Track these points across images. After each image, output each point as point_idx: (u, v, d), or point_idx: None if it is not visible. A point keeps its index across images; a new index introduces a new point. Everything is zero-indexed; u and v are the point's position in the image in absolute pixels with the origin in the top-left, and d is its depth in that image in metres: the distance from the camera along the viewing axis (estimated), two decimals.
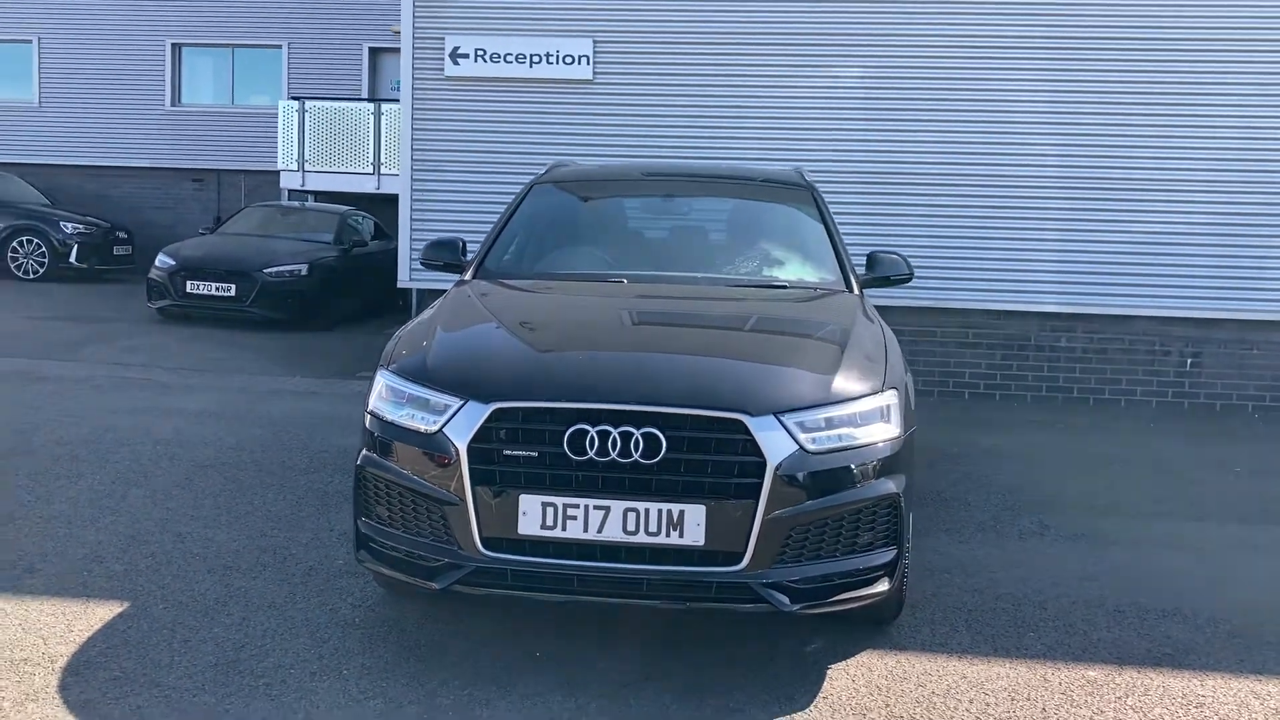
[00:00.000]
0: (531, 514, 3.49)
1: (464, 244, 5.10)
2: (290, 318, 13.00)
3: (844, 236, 9.13)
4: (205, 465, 6.32)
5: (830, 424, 3.63)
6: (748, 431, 3.48)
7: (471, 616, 4.17)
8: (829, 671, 3.83)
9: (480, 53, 9.67)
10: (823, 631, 4.15)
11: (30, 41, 20.62)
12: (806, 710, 3.53)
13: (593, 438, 3.46)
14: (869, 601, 3.72)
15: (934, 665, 3.92)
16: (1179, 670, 3.95)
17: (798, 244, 5.14)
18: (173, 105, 20.50)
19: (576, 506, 3.48)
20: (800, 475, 3.51)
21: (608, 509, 3.47)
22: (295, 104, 17.64)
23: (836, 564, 3.61)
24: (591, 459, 3.46)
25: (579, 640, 4.00)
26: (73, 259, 17.37)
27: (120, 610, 4.15)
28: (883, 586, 3.70)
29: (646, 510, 3.46)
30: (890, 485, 3.69)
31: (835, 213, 9.31)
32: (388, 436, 3.75)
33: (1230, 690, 3.80)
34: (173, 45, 20.47)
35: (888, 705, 3.59)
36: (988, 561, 5.14)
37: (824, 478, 3.55)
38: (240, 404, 8.29)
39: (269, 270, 13.06)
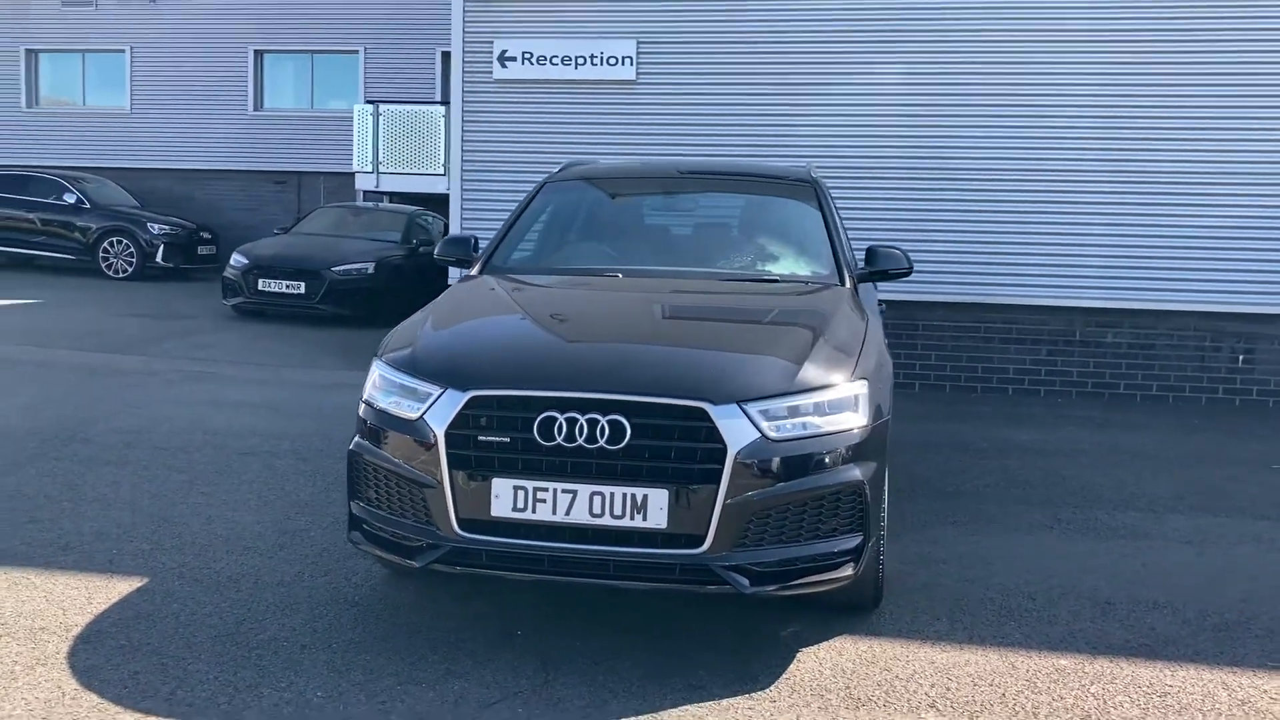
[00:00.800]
0: (504, 497, 3.67)
1: (476, 240, 5.31)
2: (357, 314, 13.40)
3: (886, 232, 9.22)
4: (246, 453, 6.64)
5: (794, 413, 3.74)
6: (710, 419, 3.61)
7: (464, 598, 4.36)
8: (799, 654, 3.94)
9: (527, 55, 9.90)
10: (802, 617, 4.25)
11: (123, 51, 21.50)
12: (766, 690, 3.65)
13: (561, 424, 3.63)
14: (833, 586, 3.82)
15: (904, 651, 4.00)
16: (1152, 661, 3.97)
17: (795, 239, 5.24)
18: (255, 110, 21.20)
19: (546, 490, 3.64)
20: (761, 462, 3.63)
21: (575, 492, 3.63)
22: (370, 107, 18.09)
23: (799, 548, 3.72)
24: (560, 445, 3.63)
25: (563, 621, 4.16)
26: (159, 259, 18.08)
27: (139, 585, 4.43)
28: (847, 571, 3.79)
29: (611, 494, 3.61)
30: (856, 473, 3.78)
31: (877, 209, 9.46)
32: (377, 423, 3.96)
33: (1200, 681, 3.82)
34: (255, 52, 21.17)
35: (848, 688, 3.69)
36: (988, 553, 5.18)
37: (786, 465, 3.66)
38: (295, 397, 8.63)
39: (337, 269, 13.47)
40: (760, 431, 3.65)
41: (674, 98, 9.88)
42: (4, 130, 21.91)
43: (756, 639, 4.06)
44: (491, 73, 9.99)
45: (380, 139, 18.14)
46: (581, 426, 3.62)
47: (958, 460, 7.14)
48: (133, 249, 18.03)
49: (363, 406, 4.08)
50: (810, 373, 3.85)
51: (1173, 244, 9.39)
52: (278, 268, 13.59)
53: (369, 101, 18.67)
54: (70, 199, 18.46)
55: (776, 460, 3.66)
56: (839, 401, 3.85)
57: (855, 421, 3.85)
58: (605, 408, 3.64)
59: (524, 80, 9.99)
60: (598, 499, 3.62)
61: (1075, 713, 3.56)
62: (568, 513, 3.64)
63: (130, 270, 17.99)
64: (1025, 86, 9.51)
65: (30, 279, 17.23)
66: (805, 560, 3.73)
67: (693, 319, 4.43)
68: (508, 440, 3.68)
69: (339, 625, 4.09)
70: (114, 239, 18.10)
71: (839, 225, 5.14)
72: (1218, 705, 3.65)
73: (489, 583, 4.38)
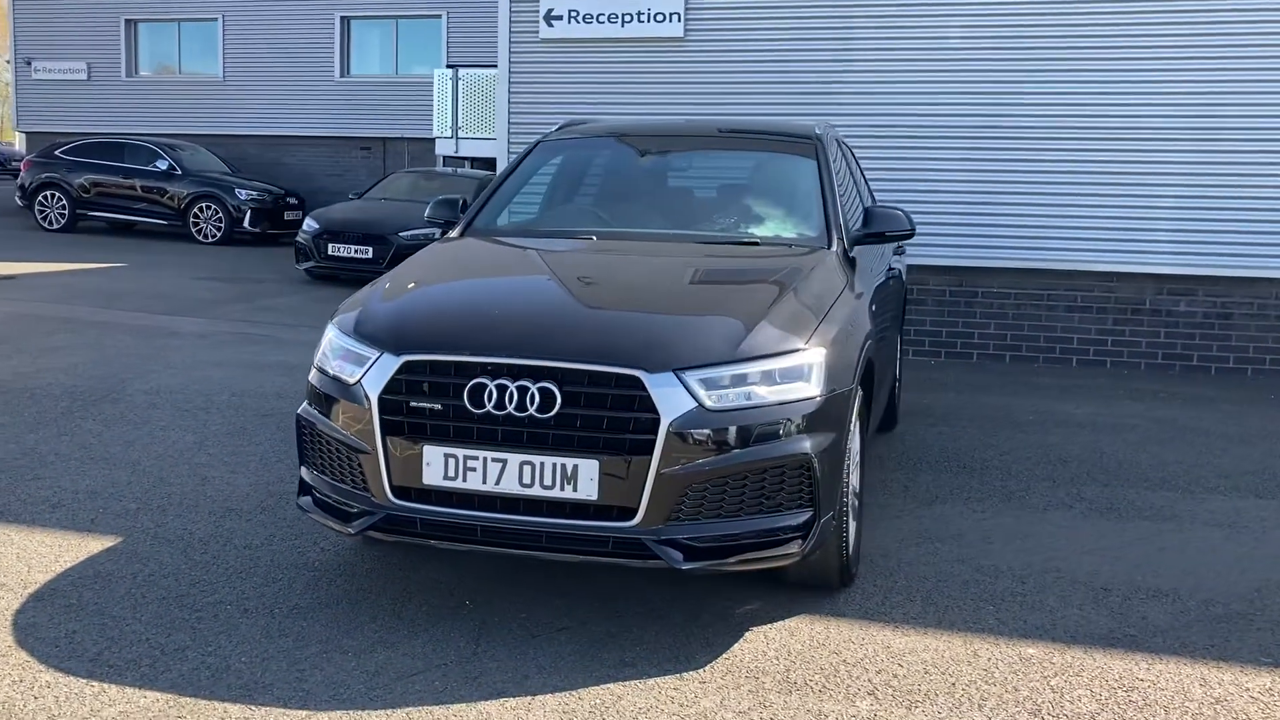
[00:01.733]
0: (435, 464, 3.56)
1: (464, 201, 5.20)
2: None
3: (950, 194, 8.84)
4: (265, 415, 6.68)
5: (738, 382, 3.55)
6: (644, 388, 3.45)
7: (422, 565, 4.28)
8: (749, 634, 3.76)
9: (574, 14, 9.72)
10: (764, 594, 4.07)
11: (216, 19, 21.97)
12: (699, 670, 3.48)
13: (491, 391, 3.50)
14: (779, 563, 3.64)
15: (862, 634, 3.79)
16: (1130, 653, 3.69)
17: (786, 200, 4.99)
18: (342, 76, 21.47)
19: (476, 458, 3.53)
20: (698, 433, 3.45)
21: (505, 462, 3.50)
22: (449, 72, 18.16)
23: (739, 524, 3.54)
24: (490, 412, 3.50)
25: (517, 591, 4.05)
26: (246, 224, 18.49)
27: (110, 545, 4.46)
28: (793, 549, 3.60)
29: (541, 464, 3.48)
30: (804, 446, 3.58)
31: (935, 170, 9.06)
32: (322, 388, 3.89)
33: (1176, 676, 3.53)
34: (342, 18, 21.41)
35: (788, 670, 3.50)
36: (991, 532, 4.91)
37: (725, 436, 3.48)
38: None
39: (404, 234, 13.56)
40: (698, 401, 3.47)
41: (723, 55, 9.60)
42: (106, 99, 22.63)
43: (708, 616, 3.89)
44: (538, 32, 9.85)
45: (460, 103, 18.19)
46: (512, 394, 3.49)
47: (996, 433, 6.82)
48: (221, 214, 18.47)
49: (313, 370, 4.01)
50: (758, 340, 3.65)
51: (1252, 206, 8.80)
52: (347, 232, 13.75)
53: (449, 66, 18.74)
54: (162, 165, 18.99)
55: (715, 431, 3.47)
56: (791, 370, 3.64)
57: (807, 392, 3.63)
58: (537, 374, 3.50)
59: (570, 39, 9.82)
60: (528, 469, 3.49)
61: (1025, 706, 3.31)
62: (498, 482, 3.51)
63: (218, 235, 18.44)
64: (1094, 39, 8.99)
65: (125, 244, 17.79)
66: (746, 536, 3.55)
67: (646, 283, 4.25)
68: (439, 407, 3.57)
69: (289, 590, 4.04)
70: (203, 204, 18.58)
71: (836, 186, 4.87)
72: (1188, 702, 3.36)
73: (448, 552, 4.29)
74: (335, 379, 3.83)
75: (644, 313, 3.85)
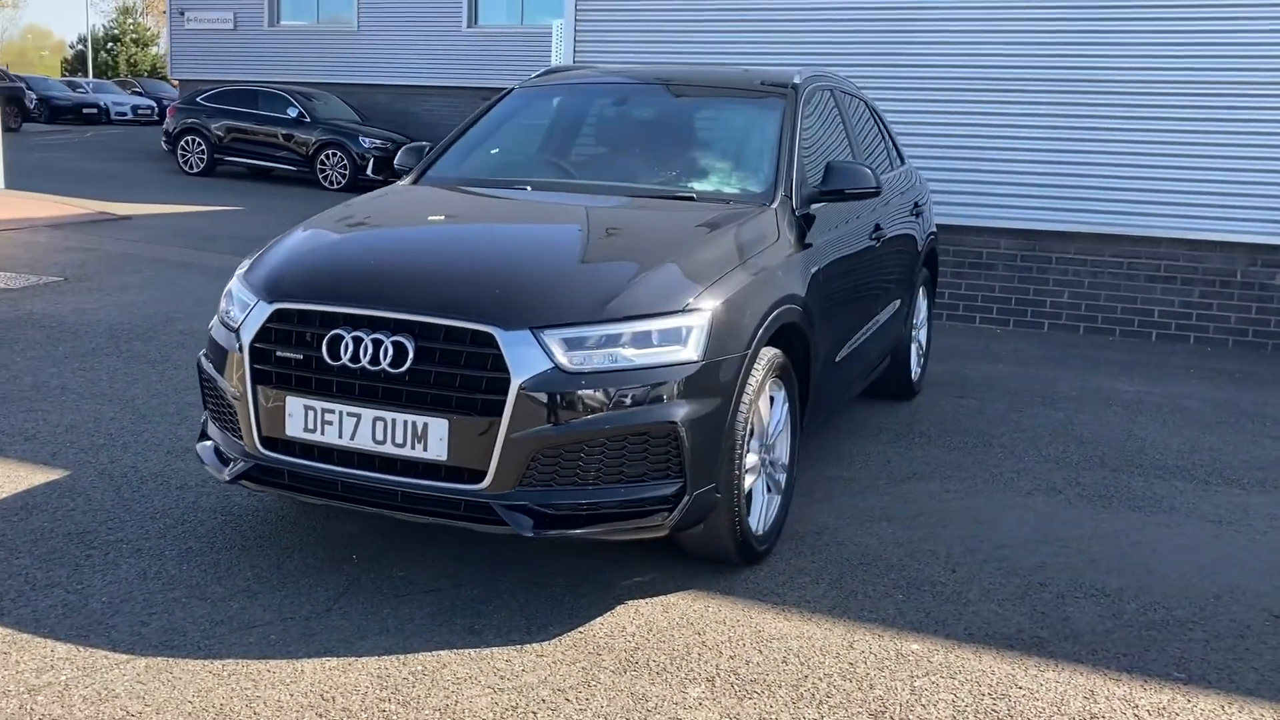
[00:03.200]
0: (296, 416, 3.50)
1: (428, 149, 5.10)
2: None
3: (1025, 150, 8.28)
4: None
5: (606, 342, 3.36)
6: (496, 345, 3.30)
7: (335, 518, 4.24)
8: (620, 607, 3.59)
9: None
10: (662, 567, 3.88)
11: None
12: (543, 643, 3.33)
13: (347, 343, 3.42)
14: (642, 535, 3.45)
15: (739, 615, 3.56)
16: (1025, 656, 3.36)
17: (736, 154, 4.70)
18: (469, 26, 21.64)
19: (332, 412, 3.45)
20: (551, 395, 3.29)
21: (359, 416, 3.41)
22: (562, 22, 18.04)
23: (596, 492, 3.36)
24: (345, 365, 3.42)
25: (409, 549, 3.97)
26: (369, 171, 18.90)
27: (54, 478, 4.58)
28: (658, 521, 3.41)
29: (393, 420, 3.38)
30: (672, 413, 3.37)
31: (1007, 126, 8.48)
32: (214, 333, 3.88)
33: (1061, 685, 3.20)
34: None
35: (636, 649, 3.32)
36: (955, 514, 4.58)
37: (582, 400, 3.30)
38: None
39: None
40: (554, 362, 3.30)
41: (792, 3, 9.19)
42: (250, 48, 23.43)
43: (590, 586, 3.73)
44: None
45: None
46: (367, 346, 3.39)
47: (1024, 408, 6.38)
48: (345, 161, 18.95)
49: (214, 318, 4.00)
50: (631, 300, 3.44)
51: None
52: None
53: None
54: (293, 113, 19.56)
55: (570, 394, 3.30)
56: (669, 333, 3.43)
57: (683, 355, 3.42)
58: (395, 327, 3.40)
59: None
60: (380, 425, 3.39)
61: (870, 707, 3.05)
62: (352, 437, 3.43)
63: (344, 181, 18.92)
64: None
65: (254, 188, 18.46)
66: (605, 506, 3.38)
67: (537, 238, 4.07)
68: (300, 357, 3.51)
69: (191, 534, 4.07)
70: (329, 151, 19.09)
71: (798, 140, 4.55)
72: (1058, 717, 3.04)
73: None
74: (224, 325, 3.81)
75: (514, 267, 3.68)
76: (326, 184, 19.05)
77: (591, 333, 3.36)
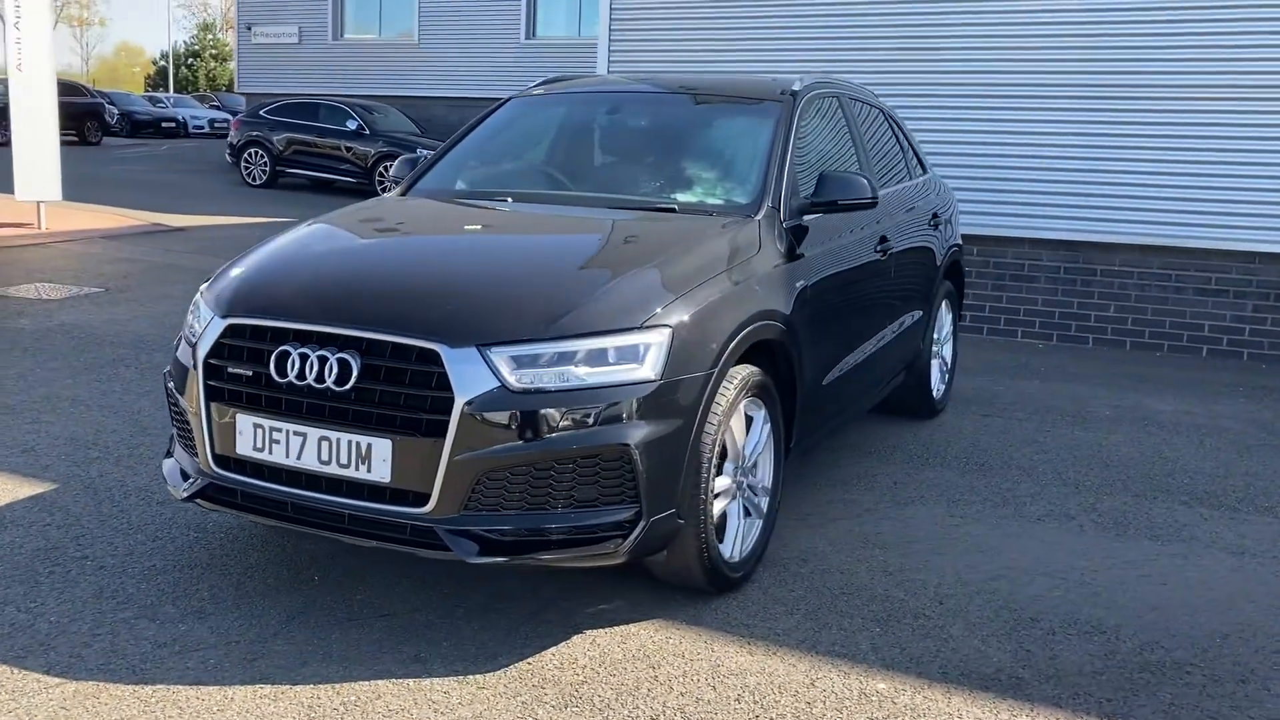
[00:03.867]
0: (246, 434, 3.41)
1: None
2: None
3: (1065, 159, 7.97)
4: None
5: (558, 360, 3.22)
6: (441, 363, 3.18)
7: (307, 538, 4.15)
8: (578, 636, 3.44)
9: None
10: (630, 594, 3.72)
11: None
12: (487, 674, 3.20)
13: (294, 360, 3.32)
14: (595, 563, 3.30)
15: (701, 648, 3.39)
16: (1000, 699, 3.14)
17: (726, 163, 4.52)
18: (527, 38, 21.69)
19: (280, 430, 3.35)
20: (497, 416, 3.15)
21: (305, 435, 3.31)
22: None
23: (546, 517, 3.22)
24: (291, 382, 3.32)
25: (376, 572, 3.86)
26: None
27: (40, 491, 4.55)
28: (611, 548, 3.25)
29: (338, 440, 3.27)
30: (625, 434, 3.21)
31: (1046, 134, 8.17)
32: (177, 348, 3.82)
33: None
34: None
35: (582, 683, 3.17)
36: (954, 542, 4.35)
37: (529, 420, 3.16)
38: None
39: None
40: (501, 381, 3.16)
41: (826, 10, 8.97)
42: (314, 61, 23.76)
43: (552, 614, 3.59)
44: None
45: None
46: (313, 363, 3.29)
47: (1051, 428, 6.10)
48: None
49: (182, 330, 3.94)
50: (585, 315, 3.29)
51: None
52: None
53: None
54: (352, 125, 19.77)
55: (517, 414, 3.16)
56: (625, 350, 3.28)
57: (639, 374, 3.27)
58: (341, 344, 3.29)
59: None
60: (325, 444, 3.29)
61: None
62: (299, 457, 3.33)
63: None
64: None
65: (312, 199, 18.66)
66: (555, 531, 3.22)
67: (499, 251, 3.93)
68: (250, 373, 3.42)
69: (159, 552, 4.00)
70: (388, 163, 19.23)
71: (791, 150, 4.36)
72: None
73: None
74: (185, 340, 3.74)
75: (467, 282, 3.55)
76: (384, 194, 19.20)
77: (542, 350, 3.22)
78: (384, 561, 3.93)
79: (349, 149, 19.67)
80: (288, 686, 3.09)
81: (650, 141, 4.80)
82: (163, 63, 63.50)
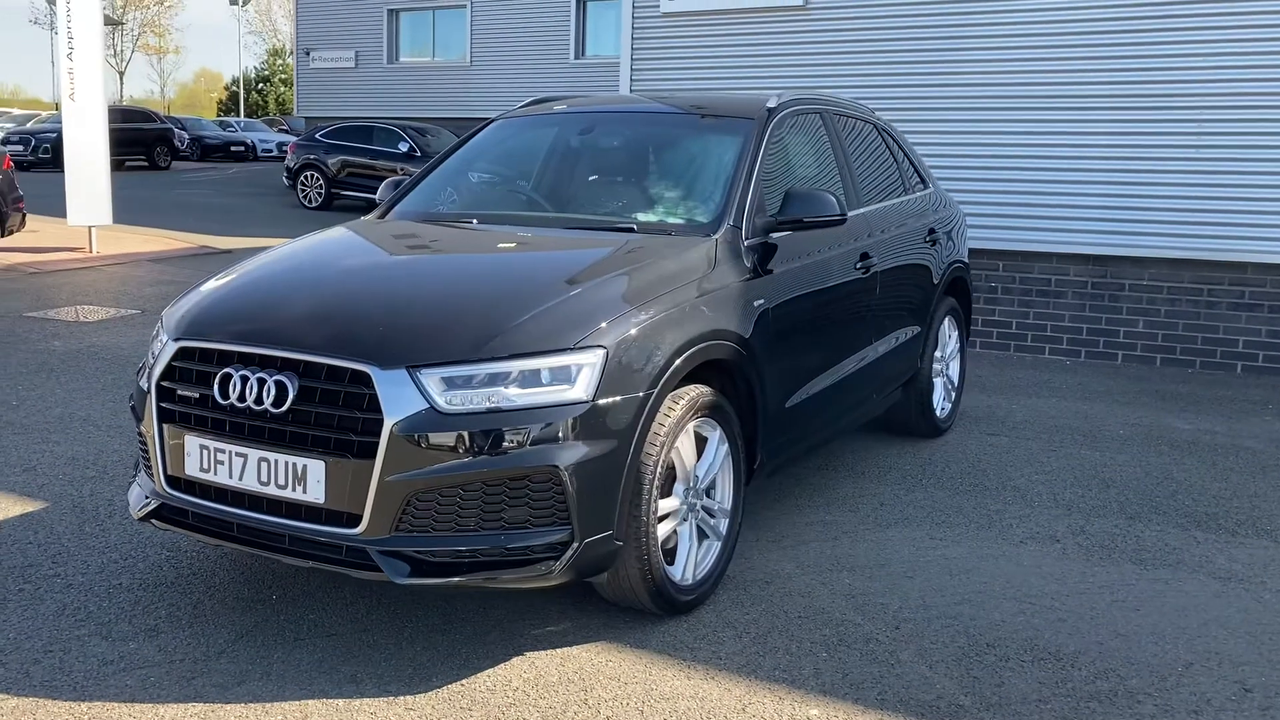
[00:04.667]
0: (194, 455, 3.47)
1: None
2: None
3: (1092, 171, 7.81)
4: None
5: (488, 381, 3.22)
6: (371, 385, 3.21)
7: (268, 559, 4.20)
8: (518, 658, 3.43)
9: None
10: (579, 617, 3.71)
11: (465, 6, 22.94)
12: (419, 695, 3.20)
13: (236, 382, 3.37)
14: (527, 585, 3.29)
15: (637, 671, 3.36)
16: None
17: (690, 182, 4.49)
18: (576, 58, 21.86)
19: (224, 451, 3.40)
20: (425, 437, 3.17)
21: (246, 456, 3.36)
22: None
23: (477, 539, 3.22)
24: (233, 403, 3.37)
25: (335, 591, 3.90)
26: None
27: (30, 510, 4.67)
28: (543, 570, 3.24)
29: (275, 461, 3.31)
30: (555, 456, 3.21)
31: (1068, 145, 8.01)
32: (139, 370, 3.90)
33: None
34: (578, 1, 21.77)
35: (511, 705, 3.16)
36: (927, 565, 4.26)
37: (458, 442, 3.17)
38: None
39: None
40: (430, 402, 3.18)
41: (845, 24, 8.92)
42: (370, 85, 24.19)
43: (497, 634, 3.59)
44: (659, 6, 9.53)
45: None
46: (252, 385, 3.34)
47: (1058, 448, 5.96)
48: None
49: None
50: (517, 336, 3.30)
51: None
52: None
53: None
54: (404, 148, 20.07)
55: (445, 436, 3.17)
56: (558, 371, 3.28)
57: (570, 395, 3.26)
58: (280, 366, 3.34)
59: (692, 11, 9.43)
60: (265, 465, 3.33)
61: None
62: (240, 477, 3.38)
63: None
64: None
65: None
66: (485, 553, 3.23)
67: (442, 273, 3.96)
68: (196, 395, 3.48)
69: (128, 571, 4.07)
70: None
71: (757, 169, 4.33)
72: None
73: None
74: (145, 362, 3.82)
75: (404, 304, 3.58)
76: None
77: (473, 371, 3.23)
78: (345, 583, 3.95)
79: (402, 170, 19.94)
80: (219, 705, 3.13)
81: (622, 161, 4.81)
82: (234, 88, 65.15)
